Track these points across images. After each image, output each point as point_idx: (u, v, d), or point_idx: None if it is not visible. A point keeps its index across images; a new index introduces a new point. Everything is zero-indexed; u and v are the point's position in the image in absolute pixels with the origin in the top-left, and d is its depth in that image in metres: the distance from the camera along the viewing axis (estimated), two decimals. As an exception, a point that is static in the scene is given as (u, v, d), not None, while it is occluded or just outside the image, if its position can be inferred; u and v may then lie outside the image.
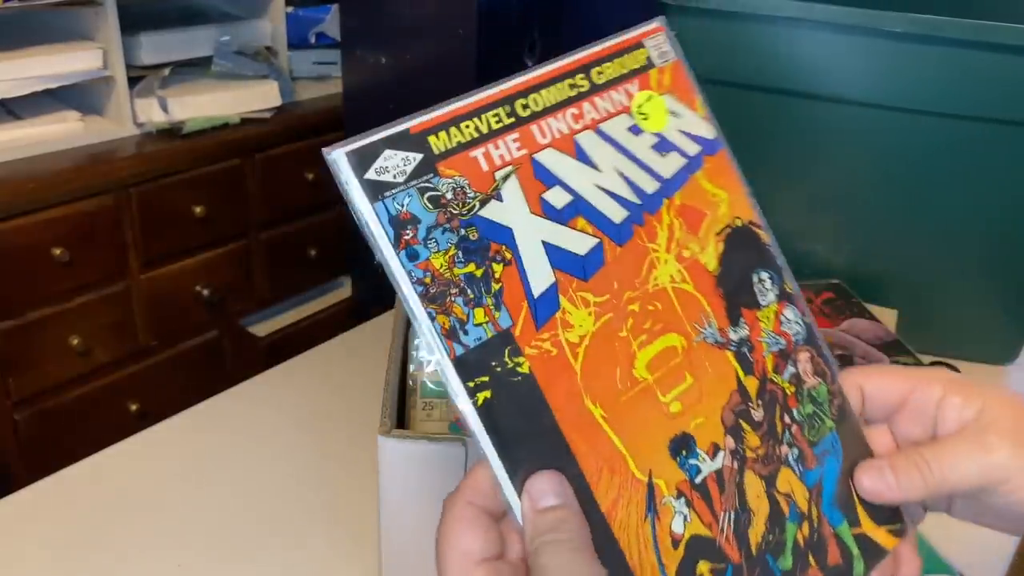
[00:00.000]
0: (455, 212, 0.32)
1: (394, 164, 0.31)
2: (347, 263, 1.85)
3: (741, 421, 0.37)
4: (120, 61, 1.44)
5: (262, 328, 1.75)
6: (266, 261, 1.71)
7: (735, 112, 0.90)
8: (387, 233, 0.31)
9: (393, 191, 0.31)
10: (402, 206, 0.31)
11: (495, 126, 0.34)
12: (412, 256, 0.31)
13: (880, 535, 0.40)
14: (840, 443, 0.40)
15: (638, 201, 0.37)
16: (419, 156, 0.32)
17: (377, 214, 0.30)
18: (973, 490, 0.37)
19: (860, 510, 0.39)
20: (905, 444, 0.40)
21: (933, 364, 0.85)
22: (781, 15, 0.81)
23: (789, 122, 0.87)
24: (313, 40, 1.81)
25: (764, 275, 0.40)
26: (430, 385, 0.56)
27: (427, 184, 0.32)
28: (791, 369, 0.39)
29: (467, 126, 0.33)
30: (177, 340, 1.61)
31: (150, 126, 1.51)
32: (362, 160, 0.31)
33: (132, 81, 1.49)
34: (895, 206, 0.88)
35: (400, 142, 0.32)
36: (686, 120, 0.40)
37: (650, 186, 0.37)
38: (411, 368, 0.58)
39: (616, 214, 0.36)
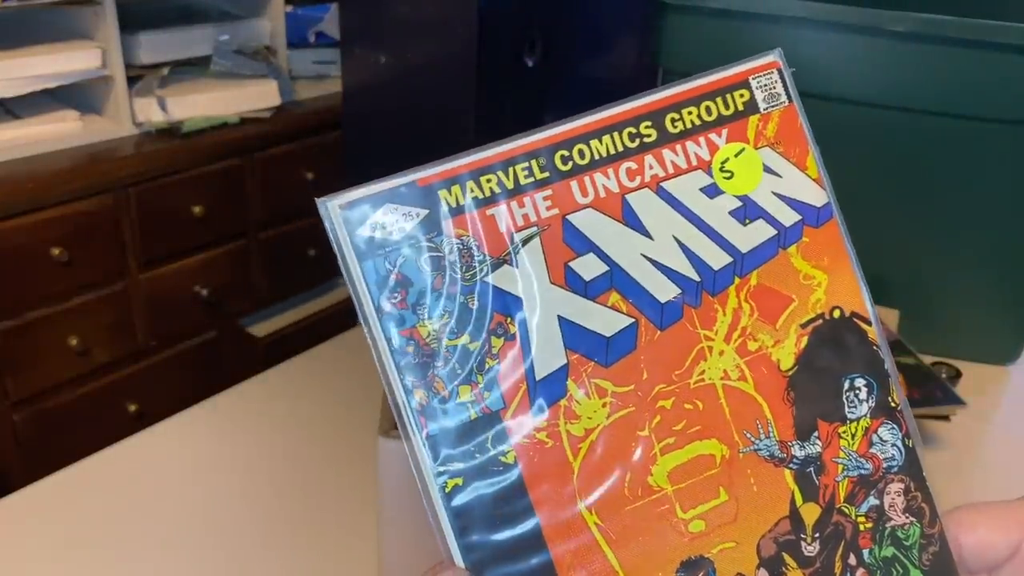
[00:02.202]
0: (456, 276, 0.28)
1: (393, 220, 0.28)
2: (346, 263, 1.85)
3: (784, 554, 0.30)
4: (119, 60, 1.44)
5: (261, 328, 1.75)
6: (265, 261, 1.71)
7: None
8: (371, 295, 0.27)
9: (387, 249, 0.28)
10: (394, 266, 0.27)
11: (523, 181, 0.29)
12: (398, 322, 0.27)
13: None
14: None
15: (697, 278, 0.30)
16: (424, 212, 0.28)
17: (364, 273, 0.27)
18: None
19: None
20: None
21: (935, 365, 0.85)
22: (781, 14, 0.81)
23: (790, 122, 0.87)
24: (312, 39, 1.81)
25: (860, 382, 0.32)
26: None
27: (429, 243, 0.28)
28: (872, 501, 0.32)
29: (488, 180, 0.28)
30: (176, 340, 1.61)
31: (149, 126, 1.51)
32: (358, 214, 0.28)
33: (131, 80, 1.48)
34: (895, 206, 0.88)
35: (405, 196, 0.28)
36: (788, 181, 0.32)
37: (718, 261, 0.31)
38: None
39: (662, 292, 0.30)
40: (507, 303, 0.28)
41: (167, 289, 1.55)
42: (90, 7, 1.41)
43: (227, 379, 0.88)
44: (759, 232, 0.31)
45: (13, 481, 1.38)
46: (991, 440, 0.82)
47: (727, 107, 0.32)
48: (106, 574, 0.65)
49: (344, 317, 1.82)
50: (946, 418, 0.77)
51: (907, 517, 0.32)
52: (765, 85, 0.32)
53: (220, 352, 1.69)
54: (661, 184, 0.30)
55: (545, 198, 0.29)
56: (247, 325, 1.74)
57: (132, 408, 1.55)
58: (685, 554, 0.29)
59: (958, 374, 0.85)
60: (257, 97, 1.63)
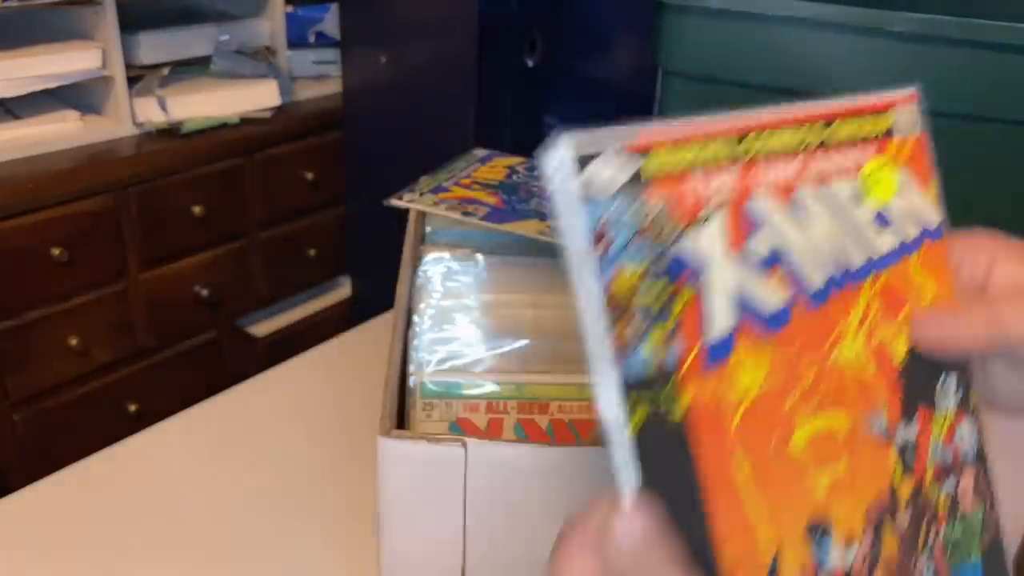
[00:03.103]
0: (651, 237, 0.30)
1: (608, 175, 0.29)
2: (347, 263, 1.85)
3: (885, 522, 0.34)
4: (119, 60, 1.44)
5: (261, 328, 1.75)
6: (265, 261, 1.71)
7: (736, 111, 0.89)
8: (582, 240, 0.29)
9: (601, 199, 0.29)
10: (603, 218, 0.29)
11: (714, 159, 0.32)
12: (601, 269, 0.29)
13: None
14: None
15: (843, 270, 0.34)
16: (631, 171, 0.30)
17: (579, 218, 0.29)
18: None
19: None
20: None
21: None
22: (781, 15, 0.81)
23: (789, 122, 0.87)
24: (312, 39, 1.81)
25: (951, 379, 0.37)
26: (430, 386, 0.56)
27: (634, 201, 0.30)
28: (950, 486, 0.36)
29: (686, 152, 0.31)
30: (176, 340, 1.61)
31: (149, 126, 1.51)
32: (583, 160, 0.29)
33: (131, 81, 1.49)
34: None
35: (619, 154, 0.30)
36: (914, 199, 0.38)
37: (859, 259, 0.35)
38: (411, 368, 0.58)
39: (817, 276, 0.34)
40: (691, 267, 0.30)
41: (167, 289, 1.56)
42: (90, 7, 1.41)
43: (227, 379, 0.88)
44: (890, 239, 0.37)
45: (13, 481, 1.38)
46: (991, 439, 0.82)
47: (875, 127, 0.37)
48: (106, 574, 0.65)
49: (344, 317, 1.83)
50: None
51: (974, 505, 0.37)
52: (905, 113, 0.39)
53: (220, 352, 1.70)
54: (822, 185, 0.35)
55: (732, 177, 0.32)
56: (247, 325, 1.74)
57: (132, 408, 1.55)
58: (812, 513, 0.32)
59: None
60: (257, 97, 1.63)
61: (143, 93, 1.51)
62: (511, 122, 1.50)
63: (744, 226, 0.32)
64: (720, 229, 0.31)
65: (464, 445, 0.47)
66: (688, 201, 0.31)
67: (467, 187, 0.72)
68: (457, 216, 0.67)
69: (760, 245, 0.32)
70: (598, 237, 0.29)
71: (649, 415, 0.29)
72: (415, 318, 0.60)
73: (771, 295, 0.32)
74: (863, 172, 0.36)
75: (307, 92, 1.76)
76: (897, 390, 0.35)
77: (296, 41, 1.78)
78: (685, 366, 0.30)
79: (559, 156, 0.28)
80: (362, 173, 1.70)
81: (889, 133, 0.38)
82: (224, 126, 1.58)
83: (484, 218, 0.66)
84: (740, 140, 0.32)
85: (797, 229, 0.33)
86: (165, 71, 1.55)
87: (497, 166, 0.78)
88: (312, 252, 1.79)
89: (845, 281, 0.34)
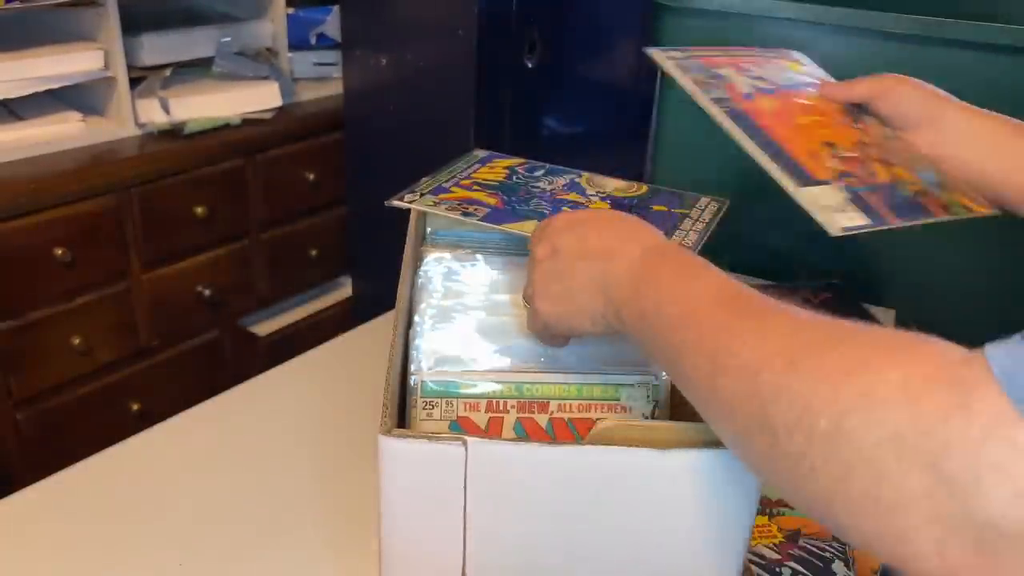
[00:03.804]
0: (702, 66, 0.73)
1: (676, 55, 0.72)
2: (347, 263, 1.85)
3: (863, 149, 0.64)
4: (121, 62, 1.44)
5: (263, 328, 1.75)
6: (267, 261, 1.72)
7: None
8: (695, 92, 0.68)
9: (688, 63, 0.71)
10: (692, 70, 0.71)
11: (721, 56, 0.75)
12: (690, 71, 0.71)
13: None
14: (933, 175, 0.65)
15: (776, 86, 0.72)
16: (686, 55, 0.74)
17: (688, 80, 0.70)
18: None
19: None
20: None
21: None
22: (777, 16, 0.81)
23: (788, 123, 0.87)
24: (314, 41, 1.81)
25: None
26: (431, 385, 0.57)
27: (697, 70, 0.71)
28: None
29: (709, 53, 0.74)
30: (178, 340, 1.61)
31: (151, 127, 1.51)
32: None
33: (133, 82, 1.49)
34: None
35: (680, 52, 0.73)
36: (807, 69, 0.78)
37: (782, 82, 0.74)
38: (412, 367, 0.58)
39: (778, 81, 0.72)
40: (724, 75, 0.71)
41: (169, 289, 1.56)
42: (93, 8, 1.41)
43: (229, 378, 0.89)
44: (807, 78, 0.78)
45: (16, 480, 1.39)
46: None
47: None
48: (109, 573, 0.65)
49: (344, 317, 1.83)
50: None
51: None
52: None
53: (222, 352, 1.70)
54: (768, 63, 0.78)
55: (728, 59, 0.75)
56: (249, 325, 1.75)
57: (135, 407, 1.56)
58: (822, 140, 0.63)
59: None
60: (259, 98, 1.63)
61: (145, 94, 1.52)
62: (511, 122, 1.50)
63: (738, 68, 0.71)
64: (728, 69, 0.70)
65: (464, 444, 0.47)
66: (713, 62, 0.71)
67: (467, 188, 0.73)
68: (457, 217, 0.67)
69: (752, 73, 0.71)
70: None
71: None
72: (416, 318, 0.60)
73: (759, 84, 0.69)
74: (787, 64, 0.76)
75: (308, 93, 1.76)
76: (835, 113, 0.69)
77: (297, 43, 1.79)
78: (734, 98, 0.66)
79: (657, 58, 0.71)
80: (363, 174, 1.70)
81: (790, 59, 0.77)
82: (226, 127, 1.58)
83: (484, 219, 0.66)
84: (733, 56, 0.73)
85: (759, 70, 0.71)
86: (167, 72, 1.55)
87: (497, 167, 0.78)
88: (313, 252, 1.79)
89: (787, 87, 0.71)
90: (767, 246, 0.97)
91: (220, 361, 1.70)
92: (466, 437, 0.47)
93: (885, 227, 0.59)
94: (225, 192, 1.59)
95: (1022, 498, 0.28)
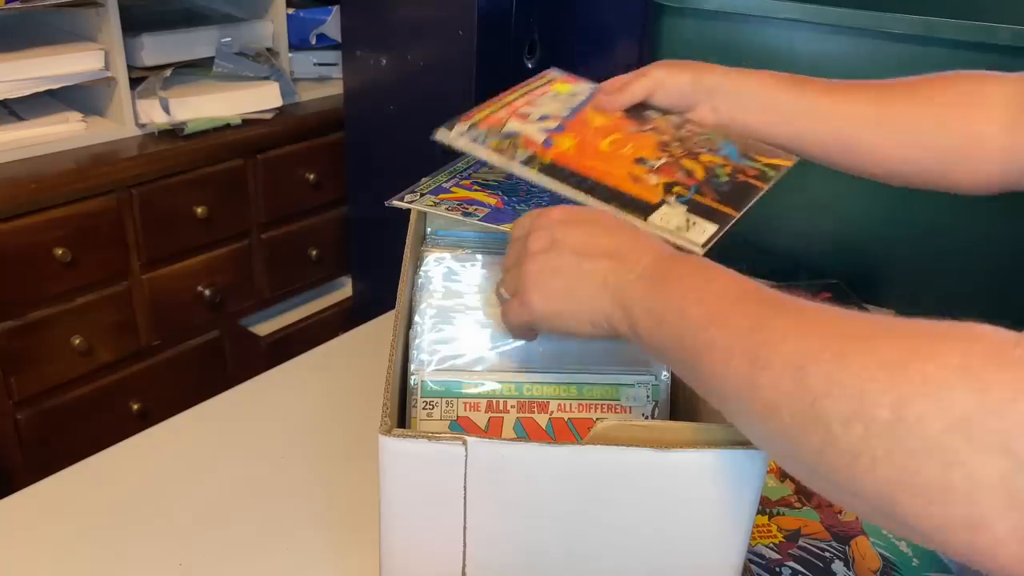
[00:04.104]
0: (493, 130, 0.70)
1: (460, 128, 0.72)
2: (348, 263, 1.85)
3: (668, 152, 0.68)
4: (122, 62, 1.44)
5: (263, 328, 1.75)
6: (267, 261, 1.72)
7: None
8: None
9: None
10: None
11: (496, 112, 0.74)
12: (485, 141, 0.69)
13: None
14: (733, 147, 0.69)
15: (567, 112, 0.73)
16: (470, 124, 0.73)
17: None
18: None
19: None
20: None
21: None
22: (776, 16, 0.81)
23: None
24: (314, 41, 1.81)
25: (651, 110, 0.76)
26: (431, 385, 0.57)
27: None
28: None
29: (487, 111, 0.74)
30: (178, 340, 1.61)
31: (152, 127, 1.51)
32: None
33: (134, 82, 1.49)
34: (893, 207, 0.88)
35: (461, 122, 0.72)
36: (577, 90, 0.80)
37: (568, 110, 0.74)
38: (411, 367, 0.58)
39: (562, 115, 0.72)
40: (515, 130, 0.71)
41: (170, 289, 1.56)
42: (93, 9, 1.41)
43: (229, 378, 0.89)
44: (576, 101, 0.79)
45: (16, 480, 1.39)
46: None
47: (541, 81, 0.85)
48: (109, 573, 0.65)
49: (344, 317, 1.83)
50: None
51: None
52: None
53: (222, 351, 1.70)
54: (542, 95, 0.80)
55: (508, 112, 0.74)
56: (249, 325, 1.75)
57: (135, 407, 1.56)
58: (632, 157, 0.66)
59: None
60: (259, 98, 1.63)
61: (146, 94, 1.52)
62: (512, 123, 1.50)
63: (520, 116, 0.71)
64: (513, 122, 0.69)
65: (464, 444, 0.47)
66: (496, 120, 0.70)
67: (467, 188, 0.73)
68: (457, 217, 0.67)
69: (534, 115, 0.71)
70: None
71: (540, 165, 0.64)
72: (416, 318, 0.61)
73: (547, 125, 0.69)
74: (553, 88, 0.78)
75: (309, 93, 1.76)
76: (625, 122, 0.72)
77: (298, 43, 1.79)
78: (537, 151, 0.66)
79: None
80: (363, 174, 1.70)
81: (551, 80, 0.80)
82: (226, 127, 1.58)
83: (484, 219, 0.66)
84: (508, 103, 0.74)
85: (537, 108, 0.73)
86: (167, 73, 1.56)
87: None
88: (314, 252, 1.79)
89: (571, 115, 0.72)
90: (766, 246, 0.97)
91: (220, 361, 1.70)
92: (466, 437, 0.47)
93: (732, 222, 0.60)
94: (225, 192, 1.59)
95: None
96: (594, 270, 0.49)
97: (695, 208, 0.61)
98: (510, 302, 0.54)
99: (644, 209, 0.60)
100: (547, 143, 0.66)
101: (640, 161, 0.66)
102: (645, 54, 1.75)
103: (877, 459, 0.33)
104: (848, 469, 0.34)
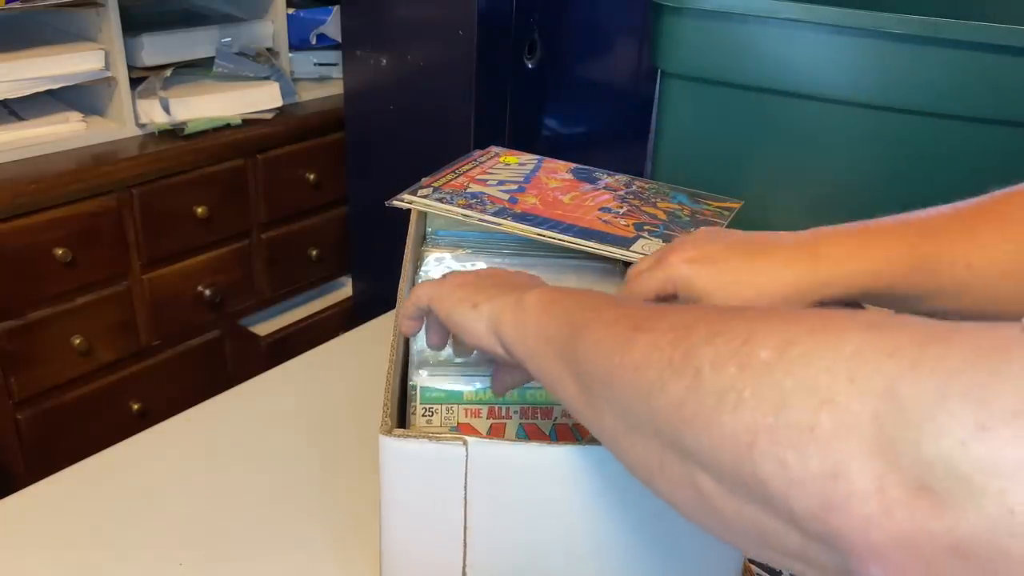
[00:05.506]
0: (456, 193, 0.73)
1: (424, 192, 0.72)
2: (348, 263, 1.85)
3: (625, 202, 0.73)
4: (122, 62, 1.44)
5: (263, 328, 1.75)
6: (267, 261, 1.72)
7: (734, 112, 0.90)
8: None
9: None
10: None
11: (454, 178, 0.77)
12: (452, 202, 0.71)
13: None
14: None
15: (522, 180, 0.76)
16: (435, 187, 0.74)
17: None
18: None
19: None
20: None
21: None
22: (777, 16, 0.81)
23: (788, 123, 0.87)
24: (314, 41, 1.81)
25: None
26: (431, 391, 0.57)
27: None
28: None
29: (448, 178, 0.76)
30: (179, 340, 1.61)
31: (152, 127, 1.51)
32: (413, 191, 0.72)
33: (134, 82, 1.49)
34: (894, 207, 0.88)
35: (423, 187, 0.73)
36: (521, 160, 0.83)
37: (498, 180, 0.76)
38: (412, 368, 0.58)
39: (517, 182, 0.76)
40: (477, 193, 0.74)
41: (170, 289, 1.56)
42: (93, 9, 1.41)
43: (230, 378, 0.89)
44: (526, 170, 0.82)
45: (17, 480, 1.39)
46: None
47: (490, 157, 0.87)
48: (109, 573, 0.65)
49: (344, 317, 1.83)
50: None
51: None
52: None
53: (223, 351, 1.70)
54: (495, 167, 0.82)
55: (466, 179, 0.77)
56: (249, 324, 1.75)
57: (135, 407, 1.56)
58: (595, 207, 0.72)
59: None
60: (259, 99, 1.63)
61: (146, 94, 1.52)
62: (511, 122, 1.50)
63: (478, 182, 0.74)
64: (474, 186, 0.72)
65: (465, 444, 0.47)
66: (458, 186, 0.72)
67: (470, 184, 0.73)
68: (457, 217, 0.67)
69: (491, 180, 0.75)
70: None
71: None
72: (416, 318, 0.60)
73: (507, 187, 0.73)
74: (502, 160, 0.81)
75: (309, 93, 1.76)
76: (578, 183, 0.76)
77: (298, 43, 1.79)
78: (506, 205, 0.69)
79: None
80: (363, 174, 1.70)
81: (497, 154, 0.83)
82: (226, 127, 1.58)
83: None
84: (463, 173, 0.76)
85: (493, 175, 0.77)
86: (168, 73, 1.56)
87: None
88: (314, 252, 1.79)
89: (527, 180, 0.76)
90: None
91: (220, 361, 1.70)
92: (466, 437, 0.47)
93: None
94: (225, 192, 1.59)
95: (984, 431, 0.23)
96: (489, 277, 0.51)
97: (670, 240, 0.62)
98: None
99: (622, 242, 0.64)
100: (513, 200, 0.70)
101: (605, 210, 0.70)
102: (645, 54, 1.75)
103: (743, 399, 0.29)
104: (705, 417, 0.30)
